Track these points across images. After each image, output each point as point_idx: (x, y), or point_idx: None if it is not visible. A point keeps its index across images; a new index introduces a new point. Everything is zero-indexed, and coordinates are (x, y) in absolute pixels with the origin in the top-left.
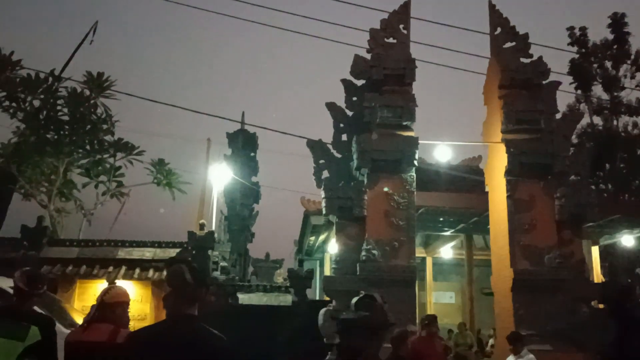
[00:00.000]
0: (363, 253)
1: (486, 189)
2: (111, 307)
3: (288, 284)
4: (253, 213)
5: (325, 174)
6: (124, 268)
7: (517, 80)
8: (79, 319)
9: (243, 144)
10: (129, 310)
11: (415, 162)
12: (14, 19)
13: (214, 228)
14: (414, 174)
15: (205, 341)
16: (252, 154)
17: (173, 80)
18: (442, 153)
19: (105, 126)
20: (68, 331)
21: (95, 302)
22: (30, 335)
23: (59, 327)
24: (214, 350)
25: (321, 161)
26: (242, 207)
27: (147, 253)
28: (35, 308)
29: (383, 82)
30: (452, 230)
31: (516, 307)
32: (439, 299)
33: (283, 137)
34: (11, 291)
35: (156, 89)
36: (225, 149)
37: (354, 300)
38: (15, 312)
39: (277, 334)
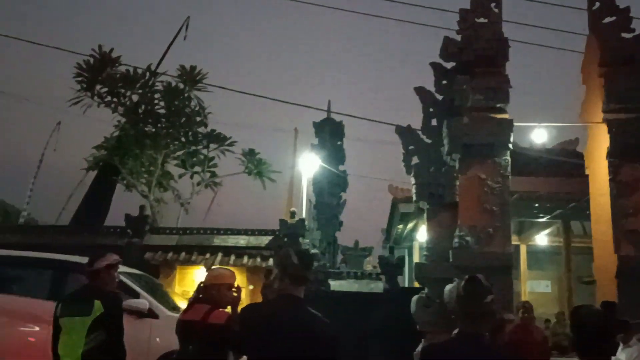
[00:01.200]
0: (456, 240)
1: (585, 173)
2: (209, 289)
3: (378, 272)
4: (341, 201)
5: (415, 160)
6: (220, 255)
7: (618, 57)
8: (180, 303)
9: (330, 133)
10: (232, 291)
11: (510, 146)
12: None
13: (303, 216)
14: (508, 157)
15: (310, 322)
16: (339, 143)
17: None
18: (537, 136)
19: (199, 118)
20: (170, 313)
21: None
22: (95, 309)
23: (162, 309)
24: (318, 331)
25: (410, 147)
26: (330, 195)
27: (241, 240)
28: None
29: (474, 64)
30: (548, 217)
31: (620, 295)
32: (534, 288)
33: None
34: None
35: (245, 80)
36: (312, 138)
37: (448, 287)
38: (85, 290)
39: (369, 321)
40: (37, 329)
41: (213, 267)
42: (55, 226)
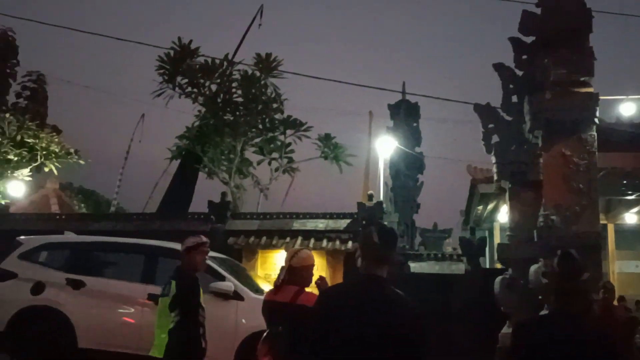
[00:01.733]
0: (540, 219)
1: None
2: (299, 270)
3: (459, 253)
4: (418, 184)
5: (495, 138)
6: (300, 238)
7: None
8: (263, 285)
9: (405, 115)
10: (313, 272)
11: (596, 120)
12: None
13: (381, 198)
14: (594, 133)
15: (396, 301)
16: (415, 124)
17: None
18: (625, 109)
19: (275, 105)
20: (255, 295)
21: (283, 265)
22: (172, 289)
23: (247, 291)
24: (404, 311)
25: (490, 125)
26: (407, 178)
27: (320, 224)
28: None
29: (555, 37)
30: (638, 194)
31: None
32: (623, 269)
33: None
34: None
35: (319, 65)
36: (387, 121)
37: (533, 267)
38: (174, 271)
39: (451, 303)
40: (132, 310)
41: (296, 248)
42: (143, 214)
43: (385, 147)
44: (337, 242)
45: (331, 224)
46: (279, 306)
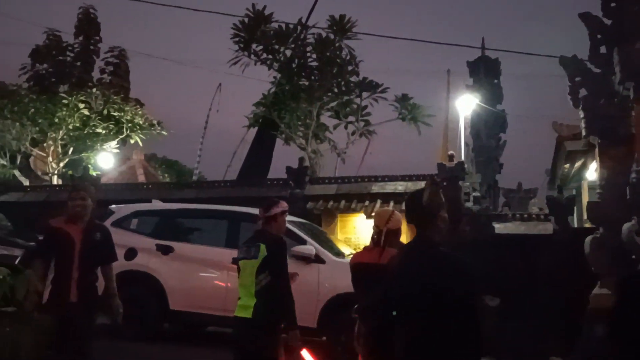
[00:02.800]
0: (633, 175)
1: None
2: (394, 233)
3: (545, 213)
4: (500, 143)
5: (583, 92)
6: (379, 202)
7: None
8: (343, 249)
9: (485, 72)
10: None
11: None
12: None
13: (462, 159)
14: None
15: (441, 261)
16: (495, 81)
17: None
18: None
19: (350, 68)
20: (336, 258)
21: (376, 228)
22: (261, 252)
23: (328, 255)
24: (450, 269)
25: (577, 79)
26: (488, 137)
27: (399, 186)
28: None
29: None
30: None
31: None
32: None
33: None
34: None
35: (395, 25)
36: (466, 79)
37: (626, 225)
38: (257, 235)
39: (538, 264)
40: (217, 273)
41: (372, 215)
42: (224, 181)
43: (465, 106)
44: None
45: (411, 186)
46: (369, 267)
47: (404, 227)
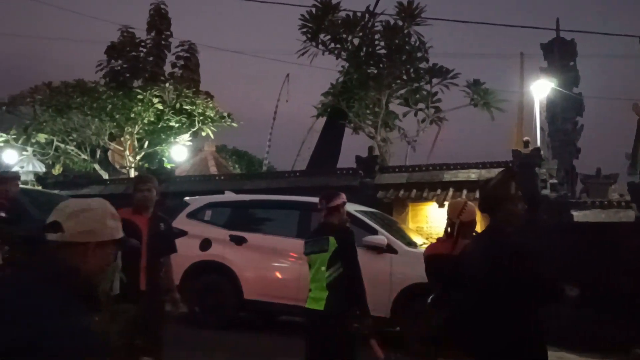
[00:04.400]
0: None
1: None
2: (468, 224)
3: (627, 200)
4: (577, 127)
5: None
6: (451, 190)
7: None
8: (416, 238)
9: (560, 54)
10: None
11: None
12: None
13: (538, 145)
14: None
15: (491, 245)
16: (571, 63)
17: None
18: None
19: (419, 54)
20: (408, 248)
21: (450, 219)
22: (330, 244)
23: (400, 244)
24: (496, 252)
25: None
26: (565, 121)
27: (472, 174)
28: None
29: None
30: None
31: None
32: None
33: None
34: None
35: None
36: (540, 61)
37: None
38: (322, 228)
39: (619, 253)
40: (289, 263)
41: (444, 204)
42: (294, 171)
43: (540, 89)
44: None
45: (484, 173)
46: (446, 259)
47: (477, 216)
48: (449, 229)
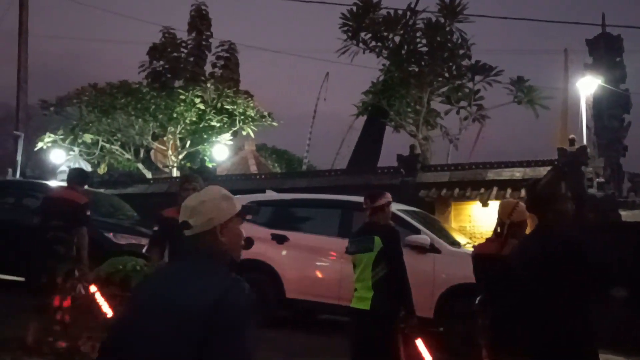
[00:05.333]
0: None
1: None
2: (518, 225)
3: None
4: (624, 124)
5: None
6: (495, 189)
7: None
8: (459, 238)
9: (606, 50)
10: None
11: None
12: None
13: (584, 143)
14: None
15: (549, 243)
16: (618, 59)
17: None
18: None
19: (461, 51)
20: (452, 248)
21: (500, 219)
22: (376, 244)
23: (443, 244)
24: (553, 250)
25: None
26: (611, 118)
27: (517, 173)
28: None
29: None
30: None
31: None
32: None
33: None
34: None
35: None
36: (585, 57)
37: None
38: (367, 227)
39: None
40: (332, 262)
41: (488, 203)
42: (335, 170)
43: (586, 86)
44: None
45: (529, 172)
46: (495, 260)
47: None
48: (498, 229)
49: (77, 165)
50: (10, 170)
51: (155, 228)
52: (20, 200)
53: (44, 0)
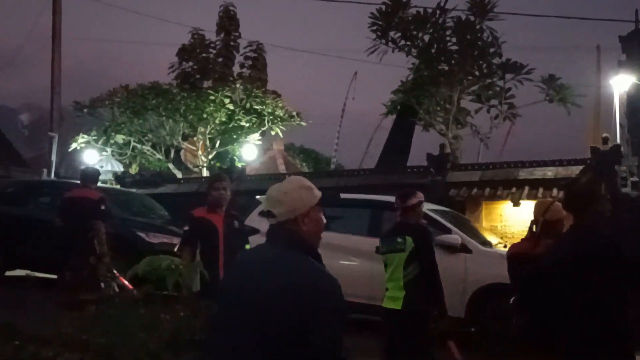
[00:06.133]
0: None
1: None
2: (553, 224)
3: None
4: None
5: None
6: (526, 188)
7: None
8: (490, 238)
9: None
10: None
11: None
12: None
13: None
14: None
15: (589, 240)
16: None
17: None
18: None
19: (492, 49)
20: (483, 248)
21: (535, 219)
22: (407, 244)
23: (474, 244)
24: (593, 247)
25: None
26: None
27: (549, 172)
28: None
29: None
30: None
31: None
32: None
33: None
34: None
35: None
36: (619, 54)
37: None
38: (399, 227)
39: None
40: (363, 262)
41: (520, 202)
42: (364, 169)
43: (619, 83)
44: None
45: (561, 171)
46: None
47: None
48: (533, 227)
49: (109, 165)
50: (45, 170)
51: (186, 228)
52: (55, 200)
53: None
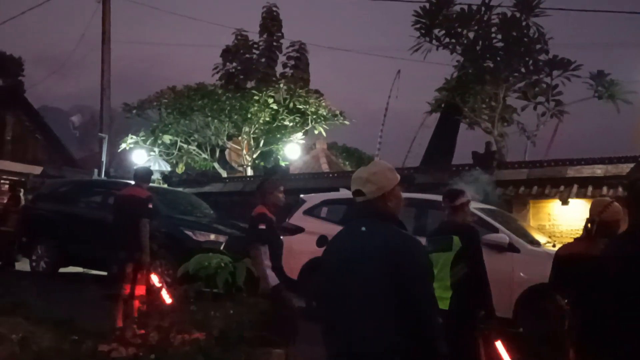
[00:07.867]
0: None
1: None
2: (609, 225)
3: None
4: None
5: None
6: (575, 187)
7: None
8: (538, 237)
9: None
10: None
11: None
12: None
13: None
14: None
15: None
16: None
17: None
18: None
19: (538, 46)
20: (531, 247)
21: (589, 218)
22: (454, 244)
23: (522, 243)
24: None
25: None
26: None
27: (598, 170)
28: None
29: None
30: None
31: None
32: None
33: None
34: None
35: None
36: None
37: None
38: (446, 226)
39: None
40: None
41: (568, 201)
42: (408, 167)
43: None
44: (620, 189)
45: (611, 169)
46: (582, 259)
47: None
48: (588, 226)
49: (157, 165)
50: (95, 170)
51: (262, 226)
52: (106, 199)
53: (124, 8)
